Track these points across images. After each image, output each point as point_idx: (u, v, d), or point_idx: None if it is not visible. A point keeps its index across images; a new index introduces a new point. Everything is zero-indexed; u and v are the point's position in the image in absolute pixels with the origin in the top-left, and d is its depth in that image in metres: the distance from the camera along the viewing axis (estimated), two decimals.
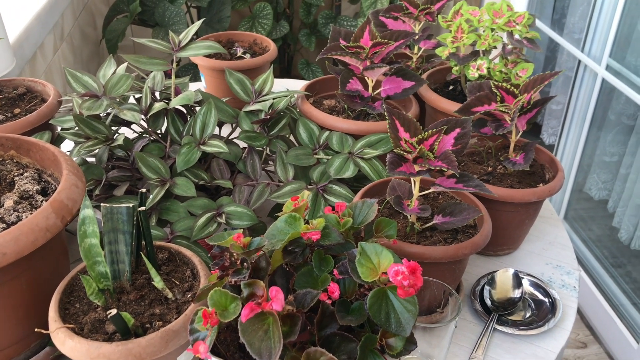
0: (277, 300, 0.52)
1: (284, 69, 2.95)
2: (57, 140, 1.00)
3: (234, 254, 0.58)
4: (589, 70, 1.98)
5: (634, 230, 1.91)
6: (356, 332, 0.58)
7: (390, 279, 0.55)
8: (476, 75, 1.01)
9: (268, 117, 0.96)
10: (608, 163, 2.08)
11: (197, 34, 2.53)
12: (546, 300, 0.88)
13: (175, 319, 0.63)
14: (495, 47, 1.02)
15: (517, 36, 0.99)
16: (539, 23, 2.28)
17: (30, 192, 0.75)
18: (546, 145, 2.47)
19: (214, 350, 0.59)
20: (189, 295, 0.67)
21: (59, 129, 1.00)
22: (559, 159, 2.21)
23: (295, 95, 1.06)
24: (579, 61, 2.01)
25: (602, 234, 2.11)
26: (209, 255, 0.77)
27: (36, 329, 0.64)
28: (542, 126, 2.56)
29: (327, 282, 0.59)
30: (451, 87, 1.13)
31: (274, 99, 1.00)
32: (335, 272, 0.60)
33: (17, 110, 1.01)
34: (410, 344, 0.57)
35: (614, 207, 2.04)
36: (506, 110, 0.86)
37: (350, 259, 0.58)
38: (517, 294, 0.87)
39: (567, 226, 2.19)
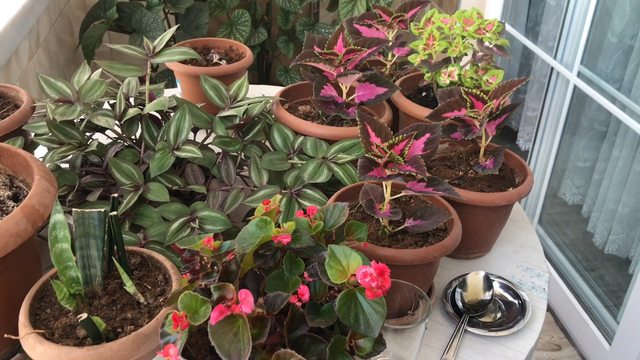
0: (246, 302, 0.53)
1: (262, 75, 2.96)
2: (30, 146, 0.99)
3: (205, 258, 0.59)
4: (561, 77, 2.02)
5: (608, 235, 1.95)
6: (326, 334, 0.58)
7: (359, 281, 0.56)
8: (447, 81, 1.02)
9: (242, 122, 0.97)
10: (582, 168, 2.12)
11: (175, 41, 2.53)
12: (516, 302, 0.89)
13: (147, 323, 0.64)
14: (466, 54, 1.04)
15: (487, 43, 1.01)
16: (513, 31, 2.32)
17: (1, 198, 0.74)
18: (522, 151, 2.50)
19: (185, 354, 0.59)
20: (161, 300, 0.67)
21: (32, 134, 1.00)
22: (534, 164, 2.24)
23: (270, 101, 1.07)
24: (552, 68, 2.05)
25: (576, 238, 2.15)
26: (180, 259, 0.77)
27: (5, 335, 0.63)
28: (517, 132, 2.60)
29: (297, 284, 0.60)
30: (424, 94, 1.15)
31: (248, 104, 1.01)
32: (306, 274, 0.61)
33: None
34: (379, 344, 0.58)
35: (588, 212, 2.08)
36: (475, 116, 0.88)
37: (320, 262, 0.59)
38: (487, 296, 0.88)
39: (541, 230, 2.22)
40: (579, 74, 1.91)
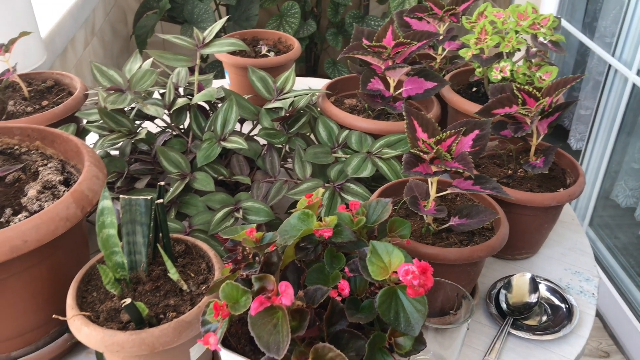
0: (286, 294, 0.53)
1: (310, 67, 2.96)
2: (82, 133, 1.02)
3: (247, 248, 0.59)
4: (619, 75, 1.94)
5: None
6: (365, 330, 0.58)
7: (401, 278, 0.55)
8: (499, 77, 1.00)
9: (288, 115, 0.97)
10: (637, 170, 2.04)
11: (225, 32, 2.55)
12: (563, 306, 0.87)
13: (189, 310, 0.64)
14: (519, 50, 1.01)
15: (541, 39, 0.98)
16: (569, 26, 2.24)
17: (53, 183, 0.77)
18: (573, 150, 2.43)
19: (225, 342, 0.59)
20: (203, 288, 0.68)
21: (84, 121, 1.02)
22: (586, 164, 2.18)
23: (317, 94, 1.07)
24: (609, 65, 1.98)
25: (628, 242, 2.07)
26: (222, 248, 0.78)
27: (54, 316, 0.65)
28: (569, 131, 2.52)
29: (337, 279, 0.59)
30: (474, 89, 1.12)
31: (294, 97, 1.01)
32: (346, 269, 0.60)
33: (45, 102, 1.03)
34: (419, 343, 0.57)
35: None
36: (526, 113, 0.85)
37: (362, 257, 0.59)
38: (533, 298, 0.86)
39: (592, 233, 2.16)
40: (639, 72, 1.84)
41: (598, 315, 2.04)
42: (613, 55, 1.96)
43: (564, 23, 2.27)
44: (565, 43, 0.97)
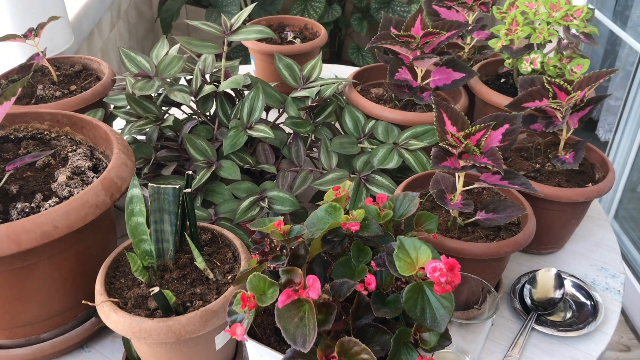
0: (313, 288, 0.53)
1: (334, 52, 2.94)
2: (109, 118, 1.03)
3: (274, 240, 0.59)
4: None
5: None
6: (391, 325, 0.58)
7: (428, 275, 0.55)
8: (529, 69, 0.98)
9: (314, 104, 0.97)
10: None
11: (250, 16, 2.54)
12: (588, 302, 0.86)
13: (215, 299, 0.65)
14: (550, 42, 0.99)
15: (573, 31, 0.96)
16: (599, 15, 2.19)
17: (82, 169, 0.77)
18: (601, 141, 2.39)
19: (250, 333, 0.60)
20: (229, 277, 0.69)
21: (112, 107, 1.03)
22: (613, 156, 2.14)
23: (343, 83, 1.06)
24: None
25: None
26: (250, 239, 0.78)
27: (83, 301, 0.66)
28: (598, 122, 2.48)
29: (364, 273, 0.59)
30: (503, 80, 1.11)
31: (321, 85, 1.00)
32: (373, 264, 0.60)
33: (73, 87, 1.04)
34: (444, 339, 0.57)
35: None
36: (558, 107, 0.84)
37: (389, 252, 0.58)
38: (558, 294, 0.85)
39: (616, 226, 2.13)
40: None
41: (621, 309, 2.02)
42: None
43: (595, 12, 2.23)
44: (598, 35, 0.95)
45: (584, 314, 0.85)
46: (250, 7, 1.02)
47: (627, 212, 2.13)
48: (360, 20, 2.71)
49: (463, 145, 0.72)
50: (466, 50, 1.17)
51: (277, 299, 0.54)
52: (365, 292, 0.58)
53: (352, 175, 0.90)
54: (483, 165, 0.71)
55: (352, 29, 2.83)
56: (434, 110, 0.76)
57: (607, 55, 2.45)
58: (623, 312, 2.01)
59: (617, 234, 2.11)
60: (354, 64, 2.72)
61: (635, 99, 1.99)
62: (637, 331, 1.93)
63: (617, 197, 2.10)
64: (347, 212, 0.63)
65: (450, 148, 0.73)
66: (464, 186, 0.78)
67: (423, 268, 0.56)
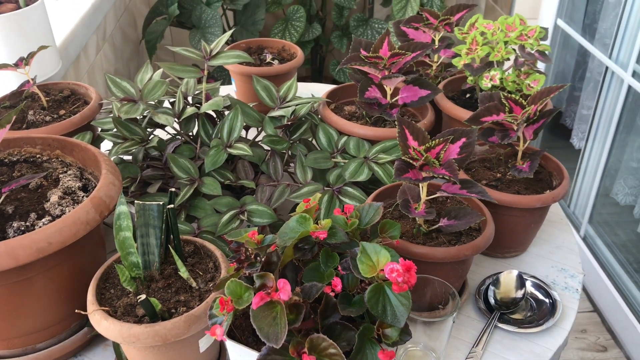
0: (284, 291, 0.59)
1: (315, 69, 3.02)
2: (97, 140, 1.09)
3: (249, 249, 0.65)
4: (615, 77, 1.99)
5: None
6: (356, 322, 0.64)
7: (387, 276, 0.61)
8: (489, 85, 1.06)
9: (290, 122, 1.03)
10: (636, 169, 2.09)
11: (233, 36, 2.62)
12: (547, 300, 0.93)
13: (198, 305, 0.71)
14: (508, 59, 1.06)
15: (528, 49, 1.04)
16: (568, 28, 2.29)
17: (73, 189, 0.83)
18: (575, 149, 2.48)
19: (230, 334, 0.66)
20: (211, 285, 0.75)
21: (99, 129, 1.09)
22: (586, 163, 2.22)
23: (317, 102, 1.13)
24: (606, 67, 2.03)
25: (627, 240, 2.12)
26: (228, 249, 0.85)
27: (76, 310, 0.72)
28: (572, 130, 2.57)
29: (331, 276, 0.66)
30: (468, 95, 1.18)
31: (296, 105, 1.07)
32: (340, 268, 0.67)
33: (62, 112, 1.10)
34: (405, 334, 0.64)
35: None
36: (513, 121, 0.91)
37: (353, 257, 0.65)
38: (519, 294, 0.92)
39: (591, 230, 2.20)
40: (634, 74, 1.89)
41: (596, 310, 2.09)
42: (610, 57, 2.01)
43: (564, 25, 2.32)
44: (551, 53, 1.02)
45: (543, 311, 0.91)
46: (228, 33, 1.08)
47: (600, 216, 2.21)
48: (340, 38, 2.79)
49: (423, 158, 0.79)
50: (434, 67, 1.25)
51: (252, 302, 0.60)
52: (332, 294, 0.64)
53: (326, 188, 0.96)
54: (441, 176, 0.78)
55: (332, 46, 2.91)
56: (397, 126, 0.83)
57: (579, 66, 2.55)
58: (599, 314, 2.08)
59: (591, 238, 2.19)
60: (335, 80, 2.79)
61: (603, 108, 2.08)
62: (613, 332, 2.00)
63: (591, 203, 2.18)
64: (317, 222, 0.69)
65: (412, 161, 0.80)
66: (428, 195, 0.85)
67: (383, 270, 0.63)
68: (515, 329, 0.88)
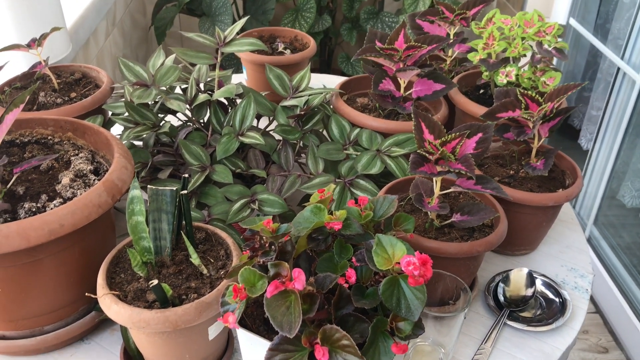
0: (299, 280, 0.58)
1: (324, 61, 3.00)
2: (108, 124, 1.08)
3: (264, 238, 0.65)
4: (627, 78, 1.98)
5: None
6: (369, 315, 0.64)
7: (403, 269, 0.61)
8: (505, 81, 1.05)
9: (302, 112, 1.02)
10: None
11: (242, 26, 2.61)
12: (557, 300, 0.92)
13: (209, 292, 0.70)
14: (524, 56, 1.05)
15: (546, 46, 1.03)
16: (580, 28, 2.27)
17: (84, 172, 0.83)
18: (583, 150, 2.47)
19: (241, 322, 0.65)
20: (221, 272, 0.74)
21: (110, 113, 1.08)
22: (593, 164, 2.21)
23: (330, 93, 1.12)
24: (618, 68, 2.01)
25: (631, 242, 2.11)
26: (241, 237, 0.84)
27: (86, 294, 0.72)
28: (580, 131, 2.56)
29: (345, 267, 0.65)
30: (481, 91, 1.17)
31: (309, 95, 1.06)
32: (354, 259, 0.66)
33: (73, 94, 1.09)
34: (418, 328, 0.63)
35: None
36: (529, 118, 0.90)
37: (368, 249, 0.64)
38: (529, 292, 0.91)
39: (596, 232, 2.20)
40: None
41: (599, 312, 2.09)
42: (622, 58, 2.00)
43: (576, 25, 2.31)
44: (568, 50, 1.01)
45: (552, 310, 0.91)
46: (243, 20, 1.08)
47: (606, 218, 2.20)
48: (350, 30, 2.77)
49: (439, 152, 0.78)
50: (448, 62, 1.24)
51: (265, 290, 0.59)
52: (346, 285, 0.64)
53: (337, 180, 0.96)
54: (457, 171, 0.77)
55: (341, 39, 2.90)
56: (413, 119, 0.82)
57: (589, 66, 2.53)
58: (602, 315, 2.07)
59: (596, 239, 2.18)
60: (343, 73, 2.78)
61: (613, 109, 2.07)
62: (615, 333, 2.00)
63: (597, 204, 2.17)
64: (330, 213, 0.69)
65: (427, 155, 0.79)
66: (441, 190, 0.84)
67: (399, 263, 0.62)
68: (525, 327, 0.87)
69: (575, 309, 0.91)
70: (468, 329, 0.87)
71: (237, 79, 1.49)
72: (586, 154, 2.32)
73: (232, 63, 2.56)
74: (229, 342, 0.81)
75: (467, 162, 0.77)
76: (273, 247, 0.64)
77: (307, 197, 1.03)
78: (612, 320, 2.03)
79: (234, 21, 2.50)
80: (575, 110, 0.91)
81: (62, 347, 0.81)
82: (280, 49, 1.36)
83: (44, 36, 1.07)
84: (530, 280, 0.92)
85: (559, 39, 1.04)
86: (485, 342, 0.85)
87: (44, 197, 0.78)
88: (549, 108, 0.91)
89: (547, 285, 0.94)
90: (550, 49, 1.03)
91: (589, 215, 2.21)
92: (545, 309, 0.91)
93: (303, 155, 1.06)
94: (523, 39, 1.04)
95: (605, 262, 2.11)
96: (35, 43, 1.06)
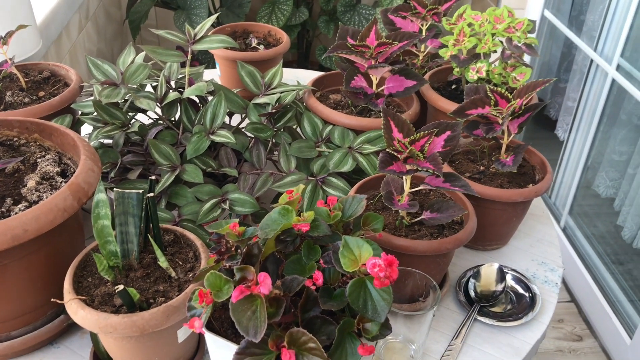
0: (264, 284, 0.58)
1: (302, 54, 2.99)
2: (77, 124, 1.07)
3: (230, 241, 0.65)
4: (600, 70, 2.00)
5: (637, 230, 1.95)
6: (336, 317, 0.64)
7: (369, 270, 0.61)
8: (475, 77, 1.05)
9: (274, 110, 1.02)
10: (617, 162, 2.11)
11: (219, 18, 2.58)
12: (527, 294, 0.93)
13: (177, 295, 0.70)
14: (495, 52, 1.06)
15: (515, 42, 1.03)
16: (554, 20, 2.29)
17: (51, 174, 0.82)
18: (560, 141, 2.49)
19: (208, 326, 0.65)
20: (190, 275, 0.74)
21: (79, 113, 1.07)
22: (568, 154, 2.24)
23: (303, 90, 1.12)
24: (591, 60, 2.03)
25: (605, 231, 2.14)
26: (208, 239, 0.84)
27: (52, 299, 0.71)
28: (557, 122, 2.58)
29: (313, 270, 0.65)
30: (453, 87, 1.17)
31: (281, 92, 1.06)
32: (321, 261, 0.66)
33: (41, 93, 1.07)
34: (385, 329, 0.63)
35: (620, 205, 2.07)
36: (498, 115, 0.91)
37: (335, 250, 0.64)
38: (499, 287, 0.92)
39: (571, 221, 2.23)
40: (619, 67, 1.89)
41: (573, 300, 2.12)
42: (595, 50, 2.02)
43: (550, 16, 2.32)
44: (538, 46, 1.02)
45: (522, 305, 0.92)
46: (213, 17, 1.06)
47: (581, 208, 2.23)
48: (327, 23, 2.76)
49: (408, 150, 0.78)
50: (420, 57, 1.24)
51: (231, 295, 0.59)
52: (313, 287, 0.64)
53: (309, 178, 0.95)
54: (425, 169, 0.77)
55: (319, 31, 2.88)
56: (382, 118, 0.82)
57: (564, 58, 2.56)
58: (576, 304, 2.11)
59: (571, 229, 2.21)
60: (321, 65, 2.77)
61: (587, 100, 2.09)
62: (589, 322, 2.03)
63: (572, 194, 2.19)
64: (300, 214, 0.69)
65: (396, 153, 0.79)
66: (411, 188, 0.85)
67: (365, 264, 0.62)
68: (495, 322, 0.88)
69: (545, 303, 0.92)
70: (439, 324, 0.88)
71: (210, 74, 1.48)
72: (562, 145, 2.34)
73: (208, 57, 2.54)
74: (200, 343, 0.80)
75: (435, 160, 0.78)
76: (239, 250, 0.64)
77: (279, 196, 1.03)
78: (586, 308, 2.06)
79: (210, 14, 2.48)
80: (545, 105, 0.92)
81: (30, 352, 0.80)
82: (254, 44, 1.35)
83: (9, 34, 1.05)
84: (501, 276, 0.93)
85: (529, 35, 1.04)
86: (456, 337, 0.86)
87: (8, 200, 0.76)
88: (517, 105, 0.91)
89: (518, 280, 0.95)
90: (520, 44, 1.04)
91: (564, 205, 2.24)
92: (516, 304, 0.92)
93: (275, 152, 1.06)
94: (493, 35, 1.05)
95: (579, 251, 2.14)
96: (0, 41, 1.04)
